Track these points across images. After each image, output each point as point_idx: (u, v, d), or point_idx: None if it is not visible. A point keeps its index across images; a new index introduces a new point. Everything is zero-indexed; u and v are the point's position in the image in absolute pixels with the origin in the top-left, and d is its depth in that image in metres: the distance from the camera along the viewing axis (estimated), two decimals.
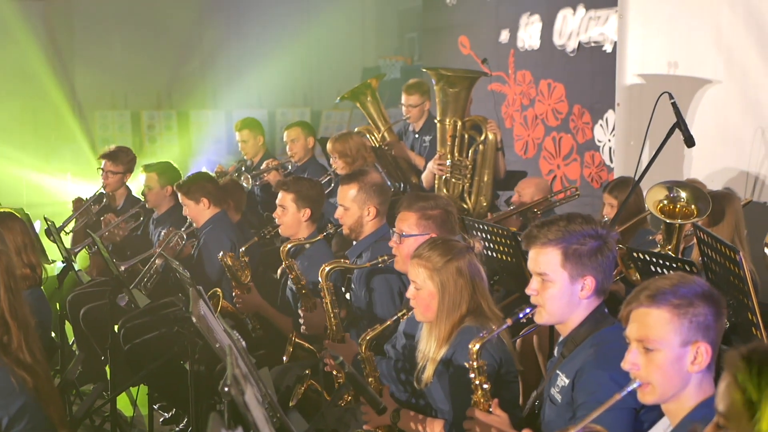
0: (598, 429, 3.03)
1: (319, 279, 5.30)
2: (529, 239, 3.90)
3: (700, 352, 3.10)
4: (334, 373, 4.77)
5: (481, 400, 3.86)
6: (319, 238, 6.08)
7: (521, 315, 3.92)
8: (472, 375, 3.88)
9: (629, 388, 3.13)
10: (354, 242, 5.97)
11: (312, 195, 6.32)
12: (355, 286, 5.76)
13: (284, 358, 5.61)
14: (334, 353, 4.18)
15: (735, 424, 2.06)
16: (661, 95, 5.81)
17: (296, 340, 5.63)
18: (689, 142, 5.83)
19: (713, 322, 3.12)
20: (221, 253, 6.35)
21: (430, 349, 4.33)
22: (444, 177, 7.81)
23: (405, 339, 4.88)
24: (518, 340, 5.73)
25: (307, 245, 6.14)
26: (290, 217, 6.27)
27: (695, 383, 3.11)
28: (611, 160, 8.59)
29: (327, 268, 5.29)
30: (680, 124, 5.76)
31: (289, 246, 5.93)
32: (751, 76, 7.05)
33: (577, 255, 3.79)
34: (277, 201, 6.36)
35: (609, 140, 8.65)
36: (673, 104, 5.75)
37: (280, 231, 6.40)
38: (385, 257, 5.15)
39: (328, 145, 8.08)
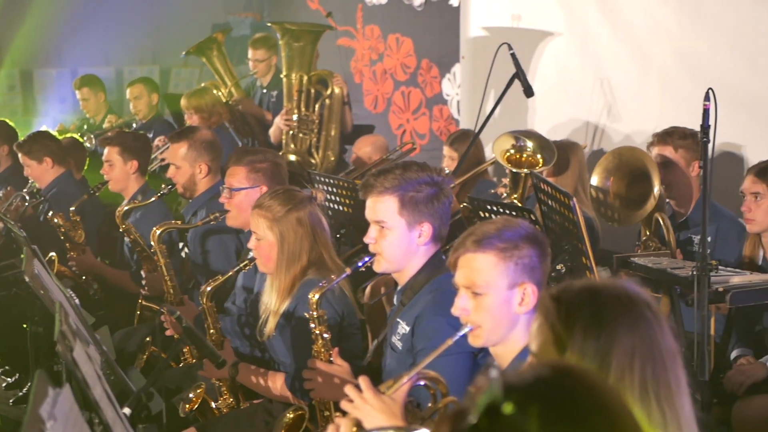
0: (431, 375, 3.06)
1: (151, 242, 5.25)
2: (366, 188, 3.91)
3: (527, 293, 3.14)
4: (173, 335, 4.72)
5: (322, 350, 3.87)
6: (153, 199, 5.98)
7: (360, 264, 3.95)
8: (312, 325, 3.88)
9: (460, 333, 3.16)
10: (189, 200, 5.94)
11: (137, 146, 6.26)
12: (191, 244, 5.71)
13: (134, 322, 5.56)
14: (172, 309, 4.13)
15: None
16: (500, 46, 5.86)
17: (143, 303, 5.57)
18: (528, 92, 5.90)
19: (538, 263, 3.17)
20: (50, 213, 6.23)
21: (272, 302, 4.32)
22: (291, 132, 7.78)
23: (244, 293, 4.85)
24: (366, 292, 5.76)
25: (139, 197, 6.06)
26: (118, 171, 6.21)
27: (523, 324, 3.15)
28: (459, 114, 8.67)
29: (158, 231, 5.22)
30: (519, 74, 5.82)
31: (126, 208, 5.84)
32: (590, 28, 7.19)
33: (413, 202, 3.82)
34: (103, 157, 6.26)
35: (457, 94, 8.72)
36: (512, 55, 5.80)
37: (109, 187, 6.31)
38: (217, 214, 5.11)
39: (183, 101, 7.99)
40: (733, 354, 4.90)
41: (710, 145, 4.18)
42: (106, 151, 6.27)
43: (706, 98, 4.17)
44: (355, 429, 2.79)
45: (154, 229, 5.24)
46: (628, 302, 2.12)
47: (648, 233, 5.29)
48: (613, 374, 2.03)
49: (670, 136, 5.41)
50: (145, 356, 5.22)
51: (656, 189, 5.07)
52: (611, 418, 1.50)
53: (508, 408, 1.45)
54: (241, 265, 4.53)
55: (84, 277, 6.22)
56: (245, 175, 5.02)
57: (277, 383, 4.32)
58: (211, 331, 4.53)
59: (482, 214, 5.01)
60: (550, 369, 1.55)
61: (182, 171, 5.83)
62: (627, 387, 2.02)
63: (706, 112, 4.19)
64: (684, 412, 2.08)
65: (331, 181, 5.75)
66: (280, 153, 7.75)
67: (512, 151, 5.69)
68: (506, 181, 5.83)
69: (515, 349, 3.15)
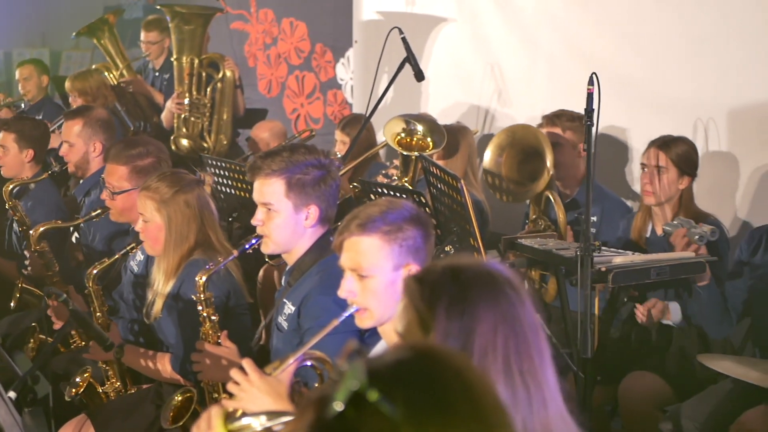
0: (317, 355, 3.08)
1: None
2: (254, 170, 3.92)
3: (412, 273, 3.18)
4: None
5: (210, 332, 3.88)
6: (43, 177, 5.90)
7: (248, 246, 3.96)
8: (200, 307, 3.88)
9: (346, 314, 3.18)
10: (81, 180, 5.86)
11: (35, 135, 6.15)
12: (84, 227, 5.64)
13: (11, 304, 5.47)
14: (57, 291, 4.08)
15: None
16: (391, 30, 5.89)
17: (23, 285, 5.48)
18: (419, 76, 5.94)
19: (423, 244, 3.21)
20: None
21: (158, 283, 4.30)
22: (183, 116, 7.72)
23: (133, 279, 4.81)
24: (260, 275, 5.76)
25: (32, 185, 5.96)
26: (12, 157, 6.10)
27: None
28: (353, 98, 8.70)
29: (41, 229, 5.14)
30: (410, 58, 5.85)
31: (11, 186, 5.74)
32: (481, 15, 7.26)
33: (300, 184, 3.85)
34: None
35: (351, 78, 8.74)
36: (403, 39, 5.83)
37: (1, 172, 6.19)
38: (99, 211, 5.05)
39: (67, 84, 7.87)
40: None
41: (594, 129, 4.24)
42: (1, 135, 6.12)
43: (590, 82, 4.25)
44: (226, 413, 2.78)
45: (35, 229, 5.15)
46: (490, 280, 2.15)
47: (537, 212, 5.37)
48: (476, 353, 2.06)
49: (558, 118, 5.54)
50: (32, 341, 5.15)
51: (549, 162, 5.15)
52: (475, 397, 1.51)
53: (373, 395, 1.44)
54: (128, 248, 4.50)
55: None
56: (126, 176, 4.91)
57: (166, 365, 4.31)
58: (98, 314, 4.50)
59: (372, 197, 5.04)
60: (412, 352, 1.55)
61: (76, 149, 5.77)
62: (491, 364, 2.05)
63: (590, 96, 4.26)
64: (549, 385, 2.12)
65: (223, 164, 5.72)
66: (172, 137, 7.70)
67: (403, 135, 5.73)
68: (397, 162, 5.87)
69: None
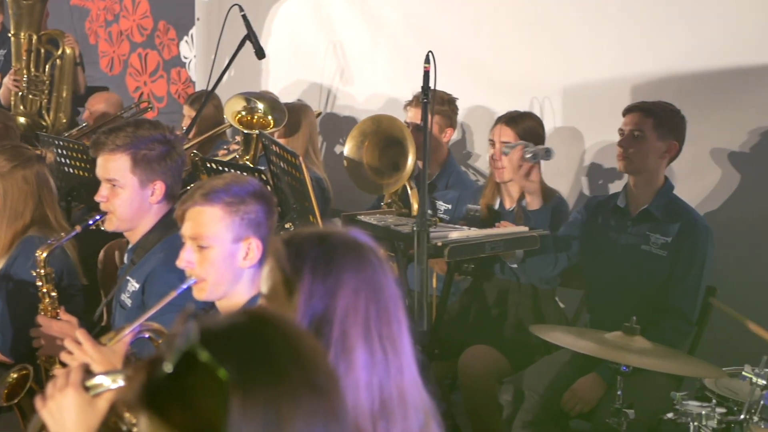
0: (154, 327, 3.09)
1: None
2: (97, 146, 3.89)
3: (252, 247, 3.22)
4: None
5: (49, 308, 3.84)
6: None
7: (91, 222, 3.91)
8: (40, 283, 3.83)
9: (185, 286, 3.20)
10: None
11: None
12: None
13: None
14: None
15: (275, 304, 2.18)
16: (231, 8, 5.90)
17: None
18: (259, 54, 5.95)
19: (264, 219, 3.26)
20: None
21: None
22: (21, 93, 7.56)
23: None
24: (101, 254, 5.70)
25: None
26: None
27: (247, 279, 3.24)
28: (196, 76, 8.65)
29: None
30: (250, 36, 5.87)
31: None
32: None
33: (146, 160, 3.84)
34: None
35: (195, 56, 8.69)
36: (244, 17, 5.84)
37: None
38: None
39: None
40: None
41: (430, 106, 4.32)
42: None
43: (426, 60, 4.33)
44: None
45: None
46: (355, 247, 2.20)
47: (394, 197, 5.46)
48: (339, 314, 2.10)
49: None
50: None
51: (410, 162, 5.18)
52: (306, 364, 1.54)
53: (204, 355, 1.45)
54: None
55: None
56: None
57: None
58: None
59: (210, 174, 5.06)
60: (246, 316, 1.58)
61: None
62: (352, 325, 2.10)
63: (426, 74, 4.33)
64: (405, 353, 2.17)
65: (62, 143, 5.64)
66: (9, 114, 7.53)
67: (244, 113, 5.77)
68: (239, 138, 5.89)
69: (239, 303, 3.23)
